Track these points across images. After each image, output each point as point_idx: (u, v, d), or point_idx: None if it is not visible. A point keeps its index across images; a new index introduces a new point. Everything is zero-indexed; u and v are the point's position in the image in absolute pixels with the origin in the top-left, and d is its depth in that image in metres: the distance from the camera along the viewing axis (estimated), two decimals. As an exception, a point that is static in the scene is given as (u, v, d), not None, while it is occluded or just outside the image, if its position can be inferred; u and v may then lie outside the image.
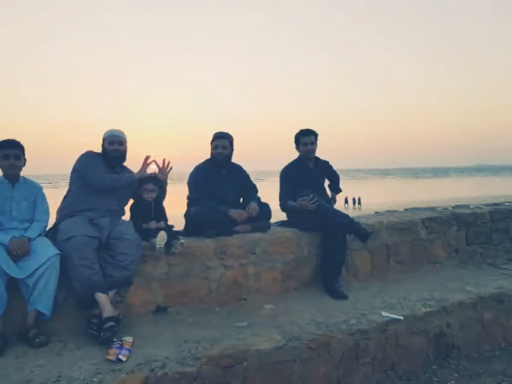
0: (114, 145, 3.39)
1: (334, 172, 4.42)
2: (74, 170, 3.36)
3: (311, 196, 3.74)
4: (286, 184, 4.08)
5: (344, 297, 3.58)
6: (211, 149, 3.88)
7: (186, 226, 3.72)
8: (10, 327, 2.72)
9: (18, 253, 2.76)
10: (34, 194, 3.12)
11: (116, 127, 3.48)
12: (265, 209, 3.87)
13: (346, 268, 4.03)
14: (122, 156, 3.48)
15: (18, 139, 3.03)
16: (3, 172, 3.01)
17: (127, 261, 3.00)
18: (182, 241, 3.23)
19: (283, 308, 3.38)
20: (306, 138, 4.06)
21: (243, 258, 3.56)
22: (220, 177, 3.87)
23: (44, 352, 2.59)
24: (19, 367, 2.40)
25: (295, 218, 4.00)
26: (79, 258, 2.82)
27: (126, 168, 3.59)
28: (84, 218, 3.11)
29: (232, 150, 3.93)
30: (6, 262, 2.70)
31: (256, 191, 4.06)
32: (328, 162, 4.34)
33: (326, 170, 4.34)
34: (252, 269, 3.60)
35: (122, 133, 3.47)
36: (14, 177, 3.03)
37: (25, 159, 3.09)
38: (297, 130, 4.17)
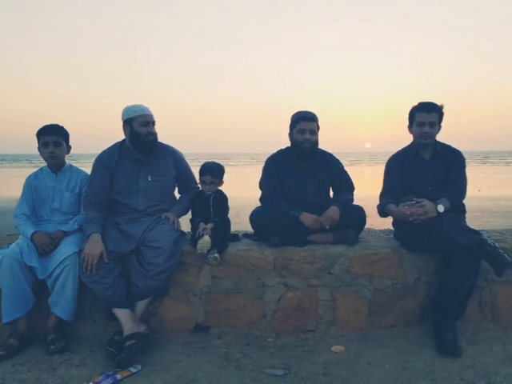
0: (149, 126, 2.72)
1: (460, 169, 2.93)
2: None
3: (414, 201, 2.60)
4: (390, 179, 2.98)
5: (453, 352, 2.39)
6: (293, 134, 3.02)
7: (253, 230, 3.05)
8: (37, 328, 2.63)
9: (45, 249, 2.60)
10: (80, 184, 2.85)
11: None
12: (355, 214, 2.91)
13: (480, 307, 2.75)
14: (156, 140, 2.80)
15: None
16: (45, 161, 2.84)
17: (154, 271, 2.55)
18: (216, 255, 2.61)
19: (355, 355, 2.44)
20: (423, 115, 2.85)
21: (314, 277, 2.72)
22: (299, 170, 3.02)
23: (47, 362, 2.41)
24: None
25: (400, 228, 2.89)
26: (85, 275, 2.52)
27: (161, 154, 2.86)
28: (107, 224, 2.74)
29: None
30: (36, 261, 2.57)
31: (349, 189, 3.08)
32: (459, 152, 2.96)
33: (449, 163, 2.92)
34: (325, 293, 2.73)
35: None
36: (56, 166, 2.84)
37: (69, 146, 2.88)
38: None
